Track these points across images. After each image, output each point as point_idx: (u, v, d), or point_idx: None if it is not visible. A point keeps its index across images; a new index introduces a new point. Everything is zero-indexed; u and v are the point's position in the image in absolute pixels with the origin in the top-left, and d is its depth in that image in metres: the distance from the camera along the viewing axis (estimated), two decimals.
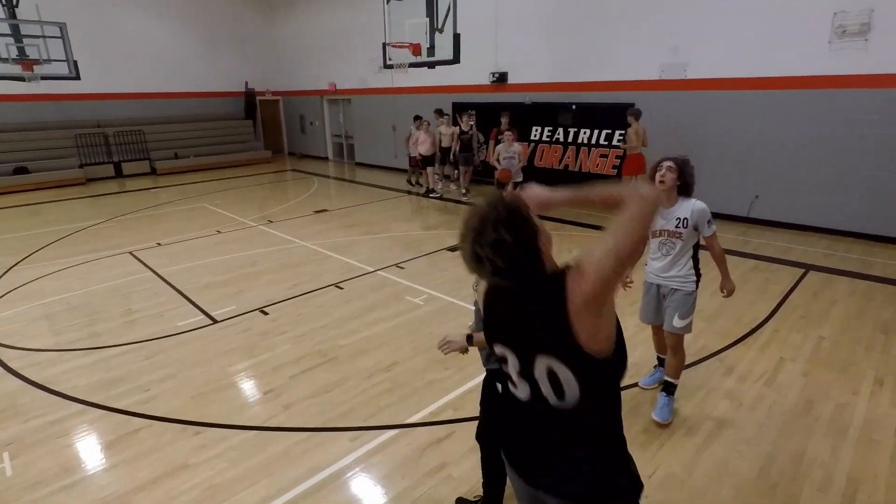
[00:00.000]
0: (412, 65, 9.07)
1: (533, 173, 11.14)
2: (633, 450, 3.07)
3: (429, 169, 11.11)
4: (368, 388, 3.93)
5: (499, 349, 1.51)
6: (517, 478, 1.60)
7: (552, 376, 1.39)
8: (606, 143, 9.89)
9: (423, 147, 10.87)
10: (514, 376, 1.49)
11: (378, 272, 6.49)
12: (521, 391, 1.49)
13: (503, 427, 1.64)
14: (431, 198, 10.98)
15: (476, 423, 2.68)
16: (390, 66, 9.68)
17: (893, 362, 4.14)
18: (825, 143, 7.47)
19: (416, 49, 8.82)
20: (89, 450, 3.31)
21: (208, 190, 12.44)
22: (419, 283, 6.03)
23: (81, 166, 13.88)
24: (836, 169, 7.43)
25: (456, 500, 2.79)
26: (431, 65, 9.16)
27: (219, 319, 5.19)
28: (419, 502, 2.82)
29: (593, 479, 1.48)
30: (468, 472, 3.03)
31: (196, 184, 13.30)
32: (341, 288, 5.98)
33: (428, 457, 3.18)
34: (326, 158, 17.58)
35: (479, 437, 2.65)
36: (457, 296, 5.63)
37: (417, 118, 11.19)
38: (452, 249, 7.36)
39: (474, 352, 2.49)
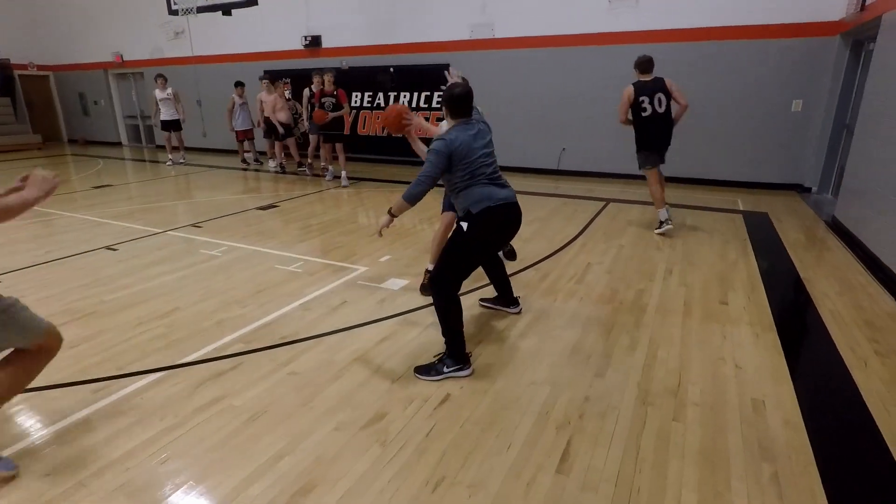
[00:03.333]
0: (201, 9, 7.92)
1: (356, 141, 10.71)
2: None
3: (290, 141, 9.30)
4: (133, 337, 3.08)
5: None
6: None
7: None
8: (427, 105, 9.83)
9: (282, 114, 9.01)
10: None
11: (168, 232, 5.44)
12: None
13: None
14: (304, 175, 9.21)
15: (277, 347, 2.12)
16: (175, 13, 8.38)
17: (678, 257, 4.53)
18: (610, 96, 8.23)
19: None
20: None
21: None
22: (219, 238, 5.17)
23: None
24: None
25: (415, 369, 2.69)
26: (226, 9, 8.10)
27: None
28: (180, 442, 2.15)
29: None
30: (256, 398, 2.44)
31: None
32: (115, 249, 4.85)
33: (202, 393, 2.50)
34: (119, 143, 15.03)
35: (446, 280, 2.65)
36: (265, 245, 4.92)
37: (284, 80, 9.64)
38: (264, 209, 6.57)
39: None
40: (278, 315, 3.38)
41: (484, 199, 2.68)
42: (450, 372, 2.62)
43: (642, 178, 9.14)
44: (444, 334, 2.68)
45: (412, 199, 2.69)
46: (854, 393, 2.50)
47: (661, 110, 5.02)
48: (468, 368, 2.65)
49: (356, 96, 10.57)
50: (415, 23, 9.57)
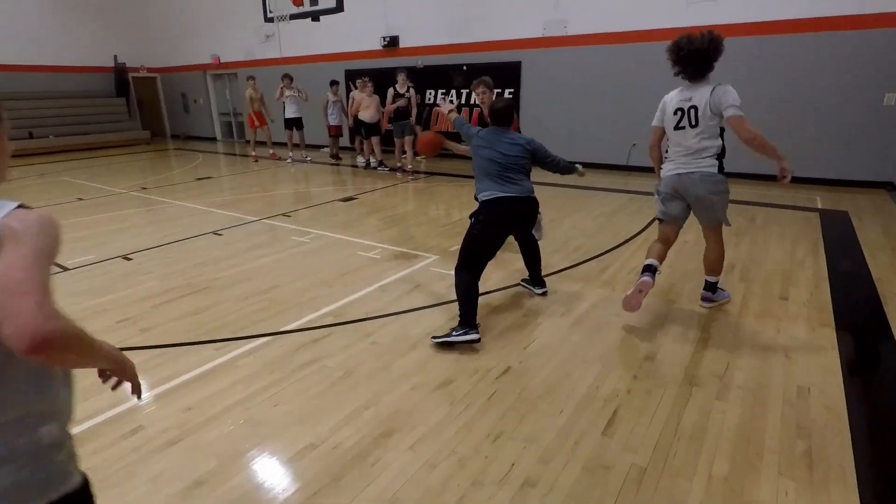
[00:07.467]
0: (293, 16, 8.65)
1: None
2: (512, 332, 3.11)
3: (374, 139, 9.47)
4: (242, 308, 3.65)
5: None
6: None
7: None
8: None
9: (367, 112, 9.22)
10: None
11: (263, 220, 6.12)
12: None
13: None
14: (381, 171, 9.47)
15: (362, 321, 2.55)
16: (271, 20, 9.17)
17: (743, 254, 4.57)
18: None
19: None
20: None
21: (72, 167, 11.13)
22: (306, 227, 5.76)
23: None
24: None
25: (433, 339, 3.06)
26: (315, 16, 8.79)
27: (70, 267, 4.59)
28: (287, 390, 2.63)
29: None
30: (345, 361, 2.89)
31: (57, 163, 11.86)
32: (220, 235, 5.55)
33: (301, 354, 2.99)
34: (214, 139, 16.46)
35: (466, 266, 3.15)
36: (347, 234, 5.44)
37: (362, 79, 9.45)
38: (346, 200, 7.16)
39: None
40: (361, 295, 3.84)
41: (478, 192, 3.41)
42: (456, 336, 2.97)
43: None
44: (460, 306, 3.08)
45: (453, 122, 3.70)
46: None
47: None
48: (473, 333, 2.97)
49: (430, 93, 11.02)
50: (488, 22, 9.84)
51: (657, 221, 3.50)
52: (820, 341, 3.02)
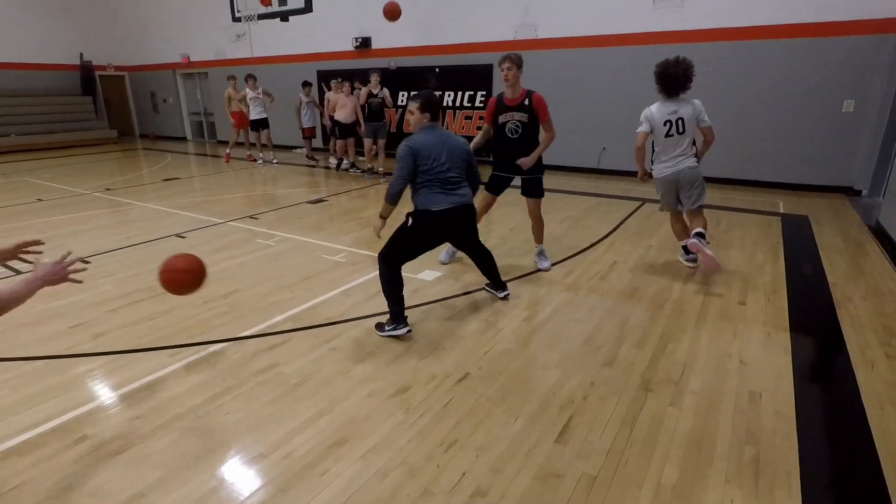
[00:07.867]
0: (261, 16, 8.53)
1: (401, 138, 11.13)
2: (473, 337, 3.10)
3: (349, 140, 9.30)
4: (201, 313, 3.56)
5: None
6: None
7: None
8: (470, 104, 10.12)
9: (342, 113, 8.96)
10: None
11: (228, 223, 6.00)
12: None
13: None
14: (354, 173, 9.38)
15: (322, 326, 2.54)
16: (238, 19, 9.02)
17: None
18: (653, 97, 8.25)
19: None
20: None
21: (36, 167, 10.78)
22: (273, 229, 5.67)
23: None
24: None
25: (375, 325, 3.27)
26: (284, 16, 8.67)
27: (23, 271, 4.43)
28: (241, 398, 2.57)
29: None
30: (303, 367, 2.84)
31: (20, 162, 11.47)
32: (183, 237, 5.43)
33: (258, 360, 2.93)
34: (185, 139, 16.13)
35: (390, 261, 3.16)
36: (314, 237, 5.37)
37: (336, 80, 9.28)
38: (315, 202, 7.08)
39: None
40: (323, 299, 3.79)
41: (427, 204, 3.19)
42: (389, 330, 3.14)
43: None
44: (386, 301, 3.17)
45: (391, 200, 3.26)
46: (853, 391, 2.63)
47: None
48: (402, 328, 3.12)
49: (403, 95, 10.98)
50: (460, 24, 9.86)
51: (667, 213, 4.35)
52: (774, 346, 3.08)
